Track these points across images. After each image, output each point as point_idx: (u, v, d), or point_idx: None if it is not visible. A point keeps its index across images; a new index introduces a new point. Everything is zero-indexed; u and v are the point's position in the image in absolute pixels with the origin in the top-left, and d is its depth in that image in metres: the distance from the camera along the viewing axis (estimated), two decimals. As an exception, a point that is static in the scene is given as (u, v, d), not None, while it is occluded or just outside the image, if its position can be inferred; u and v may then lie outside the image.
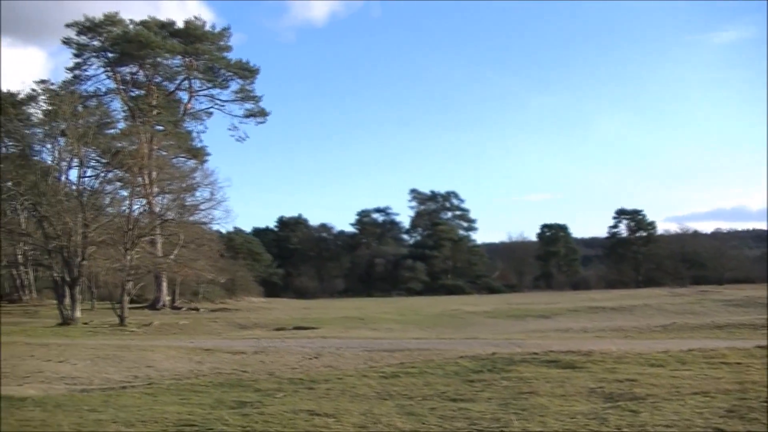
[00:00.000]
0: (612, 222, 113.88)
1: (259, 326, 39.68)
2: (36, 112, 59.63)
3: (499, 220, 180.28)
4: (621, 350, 17.42)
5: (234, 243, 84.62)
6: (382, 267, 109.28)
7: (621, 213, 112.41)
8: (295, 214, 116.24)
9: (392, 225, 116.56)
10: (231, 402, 12.74)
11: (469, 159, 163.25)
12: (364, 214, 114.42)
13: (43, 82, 62.52)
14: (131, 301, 46.10)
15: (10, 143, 58.31)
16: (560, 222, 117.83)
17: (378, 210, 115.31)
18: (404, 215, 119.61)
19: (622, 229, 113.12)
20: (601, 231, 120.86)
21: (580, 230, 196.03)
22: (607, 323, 37.45)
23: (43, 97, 58.85)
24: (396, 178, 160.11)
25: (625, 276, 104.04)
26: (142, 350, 24.18)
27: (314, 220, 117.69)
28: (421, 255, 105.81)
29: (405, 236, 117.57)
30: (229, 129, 67.78)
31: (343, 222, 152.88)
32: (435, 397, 12.30)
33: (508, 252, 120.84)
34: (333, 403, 12.15)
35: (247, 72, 66.38)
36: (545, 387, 12.34)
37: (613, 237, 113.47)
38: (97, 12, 64.89)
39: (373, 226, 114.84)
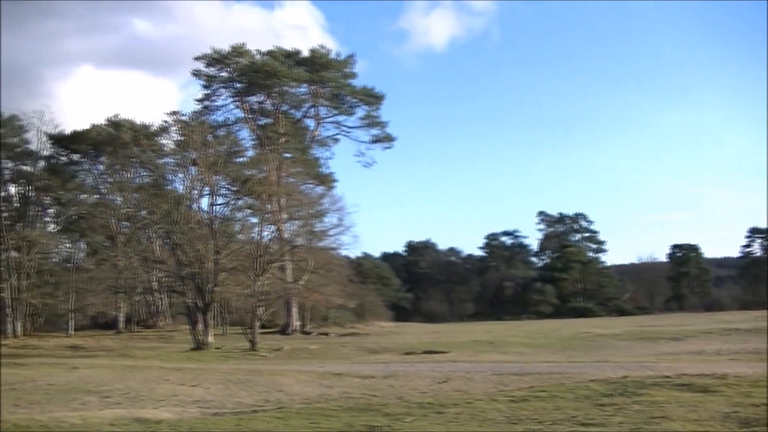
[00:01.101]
0: (745, 241, 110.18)
1: (388, 351, 39.60)
2: (168, 142, 61.54)
3: (628, 241, 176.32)
4: (757, 373, 16.76)
5: (363, 268, 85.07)
6: (511, 290, 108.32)
7: (754, 232, 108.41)
8: (424, 239, 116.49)
9: (521, 248, 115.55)
10: (360, 426, 12.68)
11: (597, 180, 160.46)
12: (492, 238, 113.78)
13: (174, 113, 64.57)
14: (262, 327, 46.72)
15: (145, 173, 60.27)
16: (691, 242, 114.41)
17: (506, 233, 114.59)
18: (532, 238, 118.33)
19: (756, 249, 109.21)
20: (733, 251, 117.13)
21: (711, 250, 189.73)
22: (741, 345, 35.98)
23: (174, 128, 60.73)
24: (523, 201, 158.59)
25: (760, 297, 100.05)
26: (273, 375, 24.40)
27: (442, 244, 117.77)
28: (550, 278, 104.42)
29: (534, 259, 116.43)
30: (356, 155, 68.29)
31: (471, 245, 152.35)
32: (565, 422, 12.11)
33: (638, 273, 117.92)
34: (462, 428, 12.03)
35: (372, 98, 66.81)
36: (678, 411, 11.94)
37: (746, 257, 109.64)
38: (225, 44, 66.39)
39: (502, 249, 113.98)
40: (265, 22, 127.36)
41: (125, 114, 66.59)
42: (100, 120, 65.10)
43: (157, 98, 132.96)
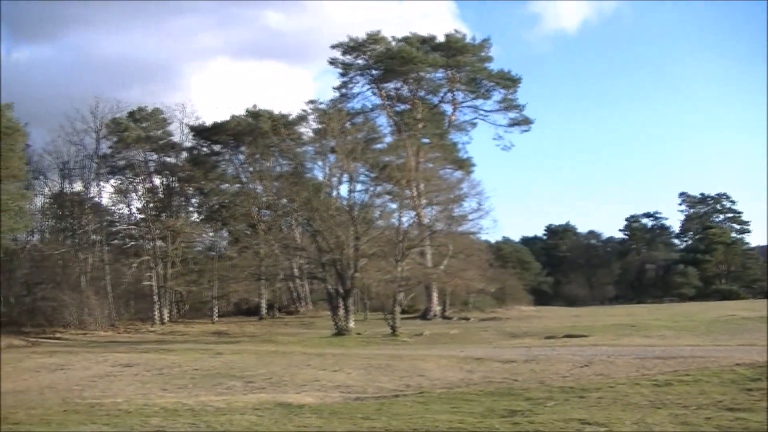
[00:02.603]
0: None
1: (529, 335, 39.12)
2: (306, 131, 62.26)
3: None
4: None
5: (502, 252, 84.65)
6: (652, 273, 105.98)
7: None
8: (563, 222, 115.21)
9: (662, 230, 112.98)
10: (501, 410, 12.59)
11: (739, 159, 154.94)
12: (632, 220, 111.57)
13: (312, 102, 65.19)
14: (402, 312, 46.76)
15: (284, 162, 61.11)
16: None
17: (647, 215, 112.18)
18: (674, 219, 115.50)
19: None
20: None
21: None
22: None
23: (312, 117, 61.35)
24: (664, 182, 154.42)
25: None
26: (414, 359, 24.37)
27: (582, 227, 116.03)
28: (692, 260, 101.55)
29: (675, 241, 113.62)
30: (494, 139, 67.76)
31: (612, 228, 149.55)
32: (710, 407, 11.85)
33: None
34: (604, 412, 11.84)
35: (509, 81, 66.07)
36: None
37: None
38: (360, 32, 66.69)
39: (643, 232, 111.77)
40: (395, 11, 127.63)
41: (263, 104, 67.55)
42: (239, 111, 66.29)
43: (293, 88, 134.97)
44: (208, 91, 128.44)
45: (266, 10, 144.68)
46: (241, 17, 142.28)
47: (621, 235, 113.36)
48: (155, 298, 59.27)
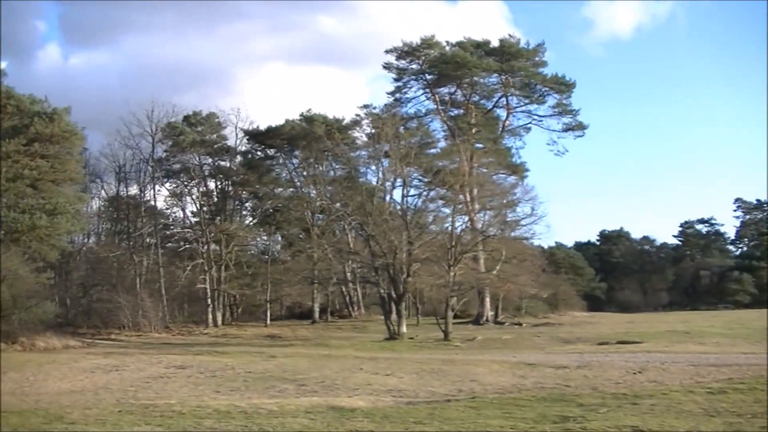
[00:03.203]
0: None
1: (581, 340, 38.96)
2: (360, 135, 62.38)
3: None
4: None
5: (556, 257, 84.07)
6: (707, 279, 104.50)
7: None
8: (617, 227, 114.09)
9: (717, 236, 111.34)
10: (554, 416, 12.60)
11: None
12: (687, 225, 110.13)
13: (365, 106, 65.34)
14: (455, 317, 46.68)
15: (338, 166, 61.31)
16: None
17: (701, 221, 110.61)
18: (729, 226, 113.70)
19: None
20: None
21: None
22: None
23: (366, 121, 61.50)
24: (719, 188, 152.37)
25: None
26: (466, 364, 24.42)
27: (636, 233, 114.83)
28: (748, 266, 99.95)
29: (730, 247, 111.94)
30: (548, 144, 67.40)
31: (666, 234, 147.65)
32: (765, 415, 11.76)
33: None
34: (658, 420, 11.82)
35: (563, 86, 65.71)
36: None
37: None
38: (412, 36, 66.83)
39: (697, 238, 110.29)
40: (447, 16, 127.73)
41: (316, 108, 67.72)
42: (293, 115, 66.69)
43: (345, 92, 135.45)
44: (261, 96, 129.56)
45: (319, 15, 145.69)
46: (295, 22, 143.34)
47: (675, 241, 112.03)
48: (209, 301, 59.78)
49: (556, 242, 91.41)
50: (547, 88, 66.07)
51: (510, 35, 67.29)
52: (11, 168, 44.19)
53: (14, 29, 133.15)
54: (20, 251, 42.12)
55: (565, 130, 66.82)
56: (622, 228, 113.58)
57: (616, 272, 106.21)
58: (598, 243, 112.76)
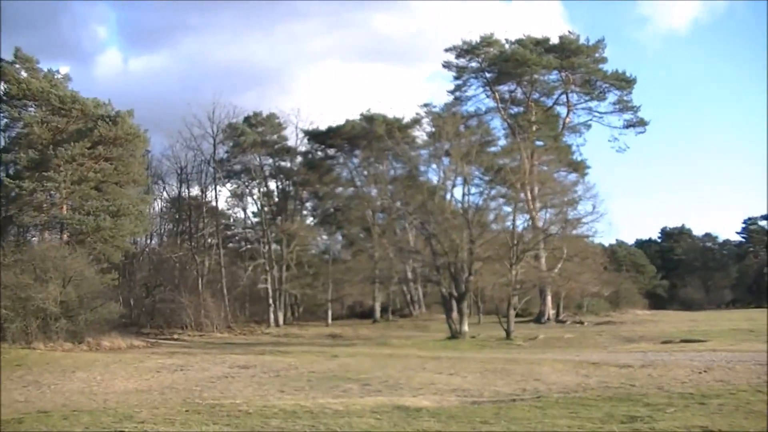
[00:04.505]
0: None
1: (645, 339, 38.54)
2: (420, 134, 62.37)
3: None
4: None
5: (617, 255, 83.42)
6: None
7: None
8: (678, 225, 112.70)
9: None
10: (621, 416, 12.50)
11: None
12: (750, 222, 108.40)
13: (425, 105, 65.27)
14: (516, 315, 46.53)
15: (399, 165, 61.39)
16: None
17: (765, 217, 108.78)
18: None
19: None
20: None
21: None
22: None
23: (426, 120, 61.45)
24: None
25: None
26: (529, 363, 24.33)
27: (698, 230, 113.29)
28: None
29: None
30: (609, 140, 66.76)
31: (729, 231, 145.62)
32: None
33: None
34: (727, 420, 11.69)
35: (623, 82, 65.07)
36: None
37: None
38: (468, 35, 66.61)
39: (761, 234, 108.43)
40: (503, 14, 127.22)
41: (374, 107, 67.93)
42: (348, 114, 66.98)
43: (403, 91, 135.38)
44: (316, 95, 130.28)
45: (376, 14, 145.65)
46: (351, 21, 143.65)
47: (738, 238, 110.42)
48: (270, 300, 60.28)
49: (617, 240, 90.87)
50: (607, 85, 65.52)
51: (570, 32, 67.11)
52: (76, 171, 45.02)
53: (75, 35, 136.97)
54: (86, 252, 42.83)
55: (626, 127, 66.19)
56: (683, 225, 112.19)
57: (679, 270, 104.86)
58: (659, 240, 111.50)
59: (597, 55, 65.56)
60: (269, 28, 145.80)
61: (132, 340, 43.16)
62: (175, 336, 50.53)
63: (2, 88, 46.34)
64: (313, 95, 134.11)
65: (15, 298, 36.40)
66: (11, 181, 43.78)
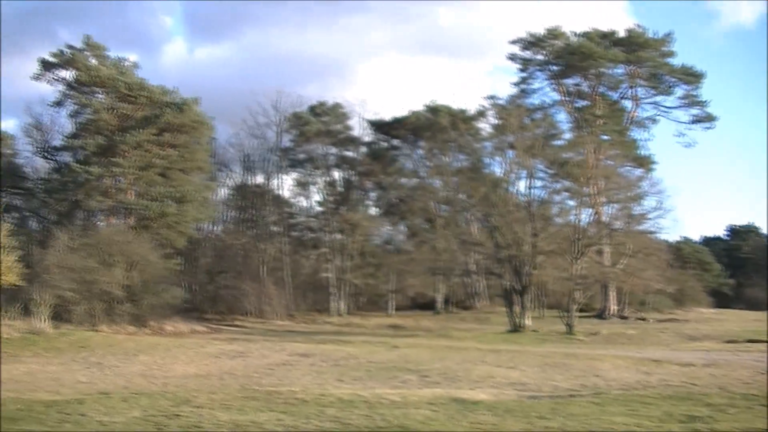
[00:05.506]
0: None
1: (708, 338, 38.17)
2: (485, 126, 62.20)
3: None
4: None
5: (682, 252, 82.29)
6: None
7: None
8: (746, 222, 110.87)
9: None
10: (680, 416, 12.43)
11: None
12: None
13: (491, 97, 65.03)
14: (579, 310, 46.32)
15: (463, 157, 61.30)
16: None
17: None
18: None
19: None
20: None
21: None
22: None
23: (491, 112, 61.23)
24: None
25: None
26: (590, 359, 24.27)
27: (766, 228, 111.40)
28: None
29: None
30: (675, 136, 66.08)
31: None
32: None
33: None
34: None
35: (691, 77, 64.29)
36: None
37: None
38: (529, 28, 66.33)
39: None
40: (566, 11, 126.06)
41: (439, 99, 67.87)
42: (410, 106, 67.00)
43: (465, 84, 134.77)
44: (377, 86, 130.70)
45: (437, 7, 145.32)
46: (413, 14, 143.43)
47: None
48: (332, 289, 60.74)
49: (682, 237, 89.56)
50: (675, 79, 64.78)
51: (638, 25, 66.42)
52: (142, 157, 45.93)
53: (143, 24, 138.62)
54: (150, 238, 43.62)
55: (694, 122, 65.46)
56: (751, 223, 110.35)
57: (745, 268, 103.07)
58: (726, 238, 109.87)
59: (664, 49, 64.82)
60: (331, 20, 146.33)
61: (194, 325, 43.91)
62: (237, 322, 51.22)
63: (72, 75, 47.33)
64: (374, 87, 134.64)
65: (81, 281, 37.25)
66: (79, 166, 44.71)
